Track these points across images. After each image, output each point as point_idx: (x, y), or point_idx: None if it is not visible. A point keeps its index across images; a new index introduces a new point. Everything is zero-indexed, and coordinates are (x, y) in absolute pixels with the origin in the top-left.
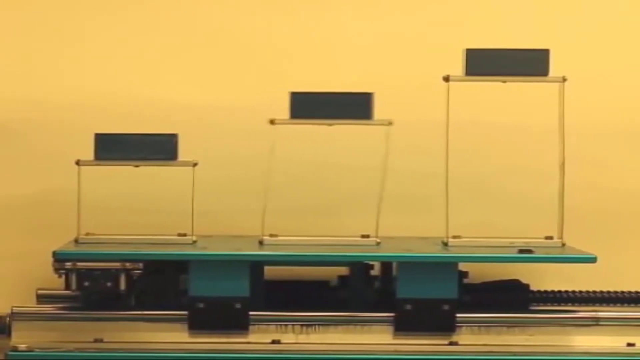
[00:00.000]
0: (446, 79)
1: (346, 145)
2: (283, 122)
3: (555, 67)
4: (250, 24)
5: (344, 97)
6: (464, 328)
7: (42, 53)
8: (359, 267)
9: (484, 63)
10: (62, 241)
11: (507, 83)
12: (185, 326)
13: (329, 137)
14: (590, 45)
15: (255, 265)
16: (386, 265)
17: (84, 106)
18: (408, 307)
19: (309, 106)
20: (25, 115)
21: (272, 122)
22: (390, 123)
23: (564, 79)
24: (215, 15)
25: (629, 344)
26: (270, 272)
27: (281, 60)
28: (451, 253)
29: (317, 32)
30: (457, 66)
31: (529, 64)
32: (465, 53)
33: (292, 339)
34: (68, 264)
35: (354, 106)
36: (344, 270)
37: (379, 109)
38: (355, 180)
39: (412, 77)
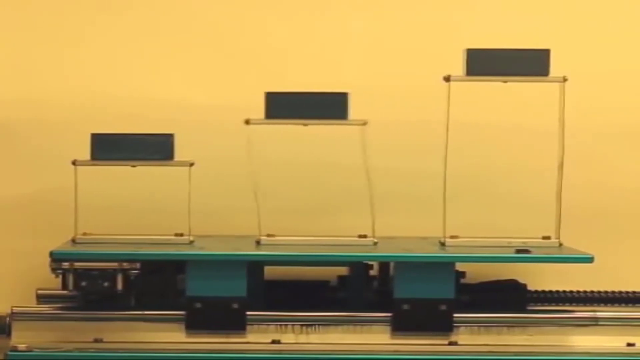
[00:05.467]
0: (447, 79)
1: (346, 145)
2: (258, 122)
3: (555, 67)
4: (248, 24)
5: (319, 97)
6: (461, 328)
7: (41, 53)
8: (358, 267)
9: (484, 63)
10: (60, 241)
11: (508, 83)
12: (183, 326)
13: (327, 136)
14: (591, 46)
15: (253, 266)
16: (384, 265)
17: (81, 106)
18: (405, 307)
19: (284, 106)
20: (23, 115)
21: (247, 122)
22: (364, 123)
23: (565, 79)
24: (212, 16)
25: (629, 344)
26: (269, 272)
27: (279, 60)
28: (448, 253)
29: (315, 32)
30: (458, 66)
31: (530, 64)
32: (465, 53)
33: (292, 339)
34: (65, 264)
35: (329, 106)
36: (342, 270)
37: (378, 109)
38: (353, 180)
39: (412, 77)
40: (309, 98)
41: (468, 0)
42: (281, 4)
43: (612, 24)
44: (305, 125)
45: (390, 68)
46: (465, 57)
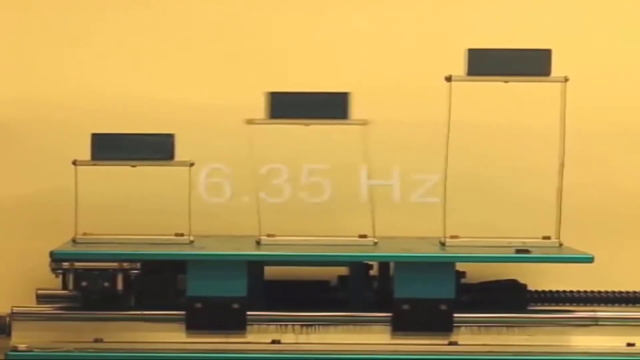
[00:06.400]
0: (448, 79)
1: (346, 145)
2: (260, 122)
3: (557, 67)
4: (248, 23)
5: (321, 97)
6: (461, 328)
7: (41, 53)
8: (358, 267)
9: (486, 63)
10: (60, 241)
11: (509, 83)
12: (183, 326)
13: (327, 136)
14: (592, 46)
15: (253, 266)
16: (384, 265)
17: (81, 106)
18: (405, 307)
19: (285, 106)
20: (23, 115)
21: (249, 122)
22: (365, 123)
23: (566, 79)
24: (212, 16)
25: (629, 344)
26: (269, 272)
27: (279, 60)
28: (449, 253)
29: (316, 31)
30: (459, 66)
31: (531, 64)
32: (467, 53)
33: (292, 339)
34: (65, 264)
35: (330, 106)
36: (342, 270)
37: (378, 109)
38: (353, 180)
39: (413, 77)
40: (311, 98)
41: (469, 0)
42: (281, 4)
43: (613, 24)
44: (306, 125)
45: (391, 68)
46: (466, 57)
